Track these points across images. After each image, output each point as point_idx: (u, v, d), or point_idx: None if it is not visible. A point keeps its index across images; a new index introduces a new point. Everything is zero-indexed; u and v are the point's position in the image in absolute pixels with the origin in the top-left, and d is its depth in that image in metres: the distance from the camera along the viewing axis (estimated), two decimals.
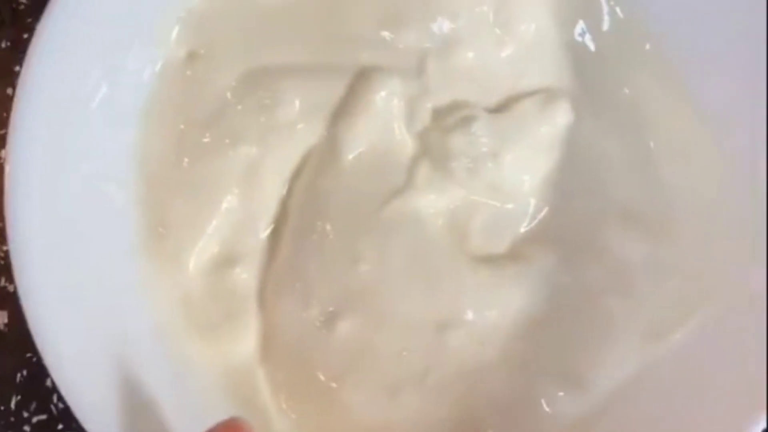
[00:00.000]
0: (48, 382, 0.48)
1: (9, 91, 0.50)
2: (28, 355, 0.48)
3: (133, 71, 0.45)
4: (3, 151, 0.45)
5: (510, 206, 0.45)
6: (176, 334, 0.43)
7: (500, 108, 0.45)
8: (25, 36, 0.51)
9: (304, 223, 0.44)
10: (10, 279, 0.46)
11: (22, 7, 0.52)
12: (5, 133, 0.40)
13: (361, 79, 0.45)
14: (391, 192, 0.44)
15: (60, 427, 0.48)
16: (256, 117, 0.45)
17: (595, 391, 0.43)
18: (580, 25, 0.46)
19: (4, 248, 0.48)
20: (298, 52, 0.45)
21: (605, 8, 0.46)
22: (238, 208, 0.45)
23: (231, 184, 0.44)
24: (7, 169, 0.40)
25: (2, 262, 0.49)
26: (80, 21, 0.42)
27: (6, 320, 0.48)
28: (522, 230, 0.45)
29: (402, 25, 0.45)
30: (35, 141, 0.41)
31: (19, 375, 0.48)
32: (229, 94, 0.45)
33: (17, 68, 0.50)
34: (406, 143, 0.45)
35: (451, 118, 0.45)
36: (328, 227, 0.44)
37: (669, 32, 0.45)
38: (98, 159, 0.43)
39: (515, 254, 0.45)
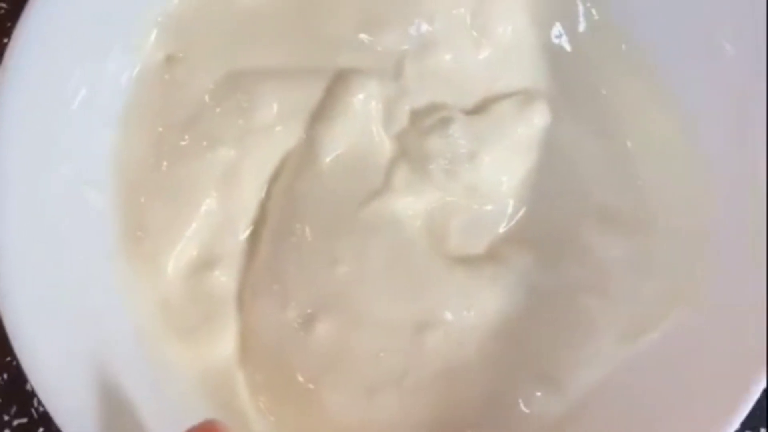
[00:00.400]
0: (28, 386, 0.48)
1: None
2: (8, 359, 0.48)
3: (112, 74, 0.45)
4: None
5: (488, 207, 0.45)
6: (155, 337, 0.43)
7: (478, 110, 0.46)
8: (6, 41, 0.51)
9: (282, 226, 0.45)
10: None
11: (2, 11, 0.52)
12: None
13: (339, 82, 0.45)
14: (369, 194, 0.44)
15: (41, 430, 0.48)
16: (234, 120, 0.45)
17: (573, 390, 0.43)
18: (557, 27, 0.46)
19: None
20: (276, 54, 0.45)
21: (581, 10, 0.46)
22: (217, 211, 0.45)
23: (209, 187, 0.45)
24: None
25: None
26: (58, 24, 0.42)
27: None
28: (500, 231, 0.45)
29: (380, 28, 0.45)
30: (14, 143, 0.41)
31: None
32: (207, 97, 0.45)
33: None
34: (384, 145, 0.45)
35: (428, 119, 0.45)
36: (307, 229, 0.44)
37: (644, 33, 0.45)
38: (77, 162, 0.43)
39: (493, 255, 0.45)
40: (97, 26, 0.44)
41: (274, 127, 0.45)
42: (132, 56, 0.45)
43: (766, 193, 0.42)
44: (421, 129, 0.45)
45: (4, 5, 0.52)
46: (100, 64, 0.44)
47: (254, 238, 0.45)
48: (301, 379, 0.43)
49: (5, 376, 0.48)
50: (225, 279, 0.44)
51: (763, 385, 0.39)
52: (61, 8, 0.42)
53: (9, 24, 0.51)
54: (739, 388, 0.39)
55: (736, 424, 0.39)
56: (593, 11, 0.46)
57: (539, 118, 0.45)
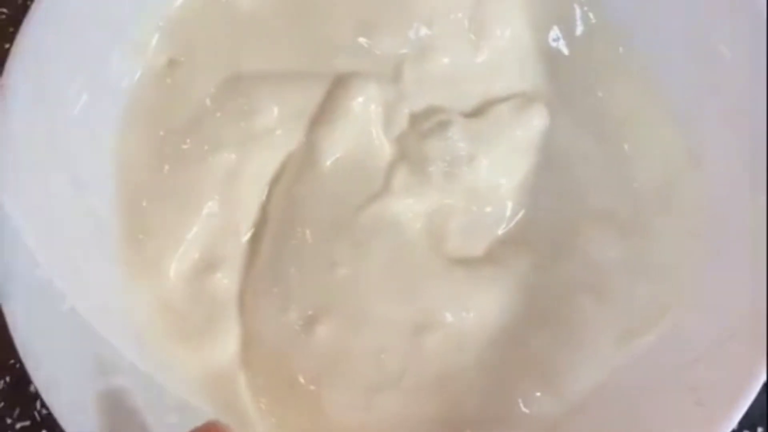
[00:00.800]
0: (31, 389, 0.48)
1: None
2: (12, 361, 0.48)
3: (113, 79, 0.45)
4: None
5: (487, 209, 0.46)
6: (157, 339, 0.43)
7: (476, 112, 0.46)
8: (7, 46, 0.51)
9: (283, 228, 0.45)
10: None
11: (3, 16, 0.52)
12: None
13: (338, 86, 0.45)
14: (369, 197, 0.45)
15: None
16: (235, 123, 0.45)
17: (572, 391, 0.44)
18: (554, 31, 0.47)
19: None
20: (276, 59, 0.46)
21: (578, 13, 0.46)
22: (219, 214, 0.45)
23: (211, 191, 0.45)
24: None
25: None
26: (60, 30, 0.42)
27: None
28: (499, 233, 0.46)
29: (378, 32, 0.46)
30: (17, 147, 0.41)
31: (2, 381, 0.48)
32: (208, 101, 0.46)
33: None
34: (383, 148, 0.45)
35: (427, 123, 0.45)
36: (307, 232, 0.45)
37: (642, 36, 0.46)
38: (79, 166, 0.44)
39: (492, 257, 0.45)
40: (99, 31, 0.44)
41: (275, 131, 0.45)
42: (134, 61, 0.46)
43: (766, 193, 0.43)
44: (420, 132, 0.45)
45: (5, 10, 0.52)
46: (102, 68, 0.45)
47: (255, 240, 0.45)
48: (302, 380, 0.43)
49: (8, 378, 0.48)
50: (226, 281, 0.45)
51: (760, 385, 0.39)
52: (63, 14, 0.43)
53: (11, 29, 0.51)
54: (737, 388, 0.39)
55: (734, 424, 0.39)
56: (590, 15, 0.46)
57: (537, 120, 0.46)
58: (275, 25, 0.46)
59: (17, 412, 0.48)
